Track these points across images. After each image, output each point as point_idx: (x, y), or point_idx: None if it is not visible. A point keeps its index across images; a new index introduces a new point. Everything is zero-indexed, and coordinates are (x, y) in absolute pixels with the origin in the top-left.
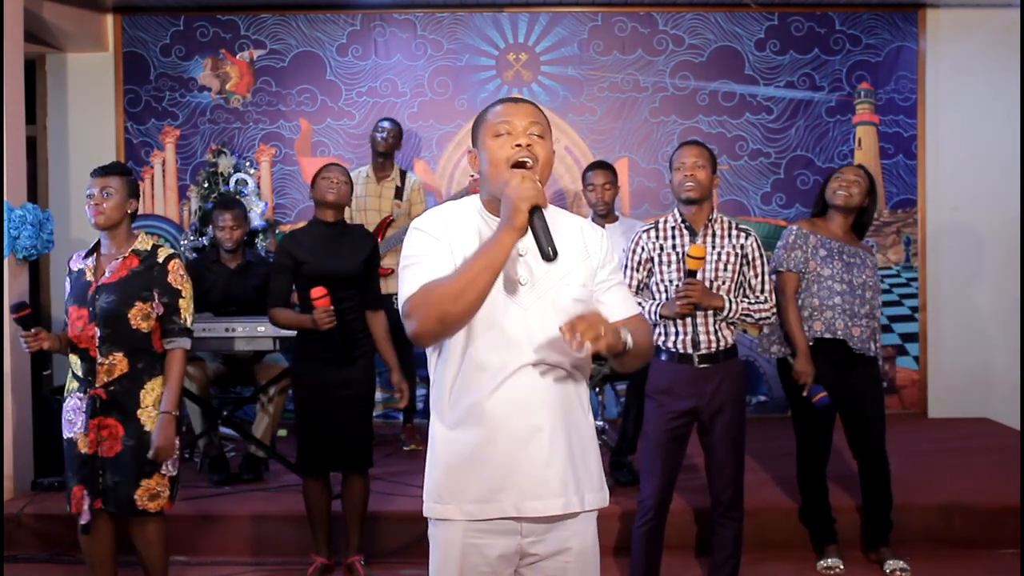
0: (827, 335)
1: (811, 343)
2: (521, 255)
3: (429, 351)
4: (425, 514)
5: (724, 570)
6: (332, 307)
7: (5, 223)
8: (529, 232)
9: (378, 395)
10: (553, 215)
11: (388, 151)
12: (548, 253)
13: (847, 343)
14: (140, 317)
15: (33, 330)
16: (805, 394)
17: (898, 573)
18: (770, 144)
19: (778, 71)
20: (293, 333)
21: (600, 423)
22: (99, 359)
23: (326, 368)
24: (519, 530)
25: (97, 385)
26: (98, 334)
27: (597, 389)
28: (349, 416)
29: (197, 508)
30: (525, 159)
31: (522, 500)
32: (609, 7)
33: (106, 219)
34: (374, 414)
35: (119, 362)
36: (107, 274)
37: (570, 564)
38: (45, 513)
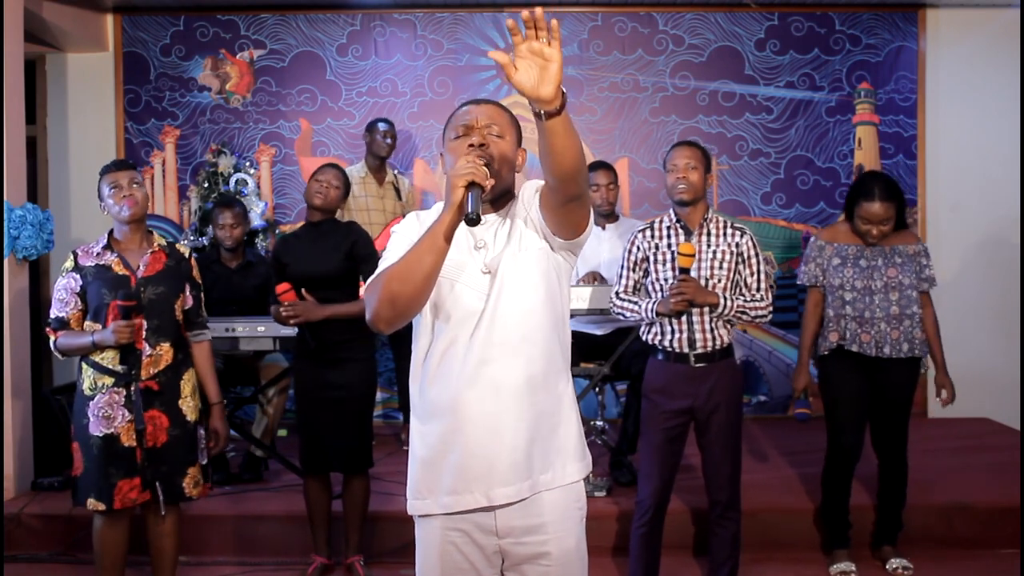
0: (838, 344)
1: (827, 352)
2: (479, 247)
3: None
4: (408, 512)
5: (723, 570)
6: (296, 302)
7: (5, 223)
8: (488, 222)
9: (378, 395)
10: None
11: (390, 154)
12: (470, 216)
13: (860, 351)
14: (180, 309)
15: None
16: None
17: (900, 571)
18: (770, 144)
19: (778, 71)
20: (293, 333)
21: (600, 423)
22: (147, 351)
23: (319, 368)
24: (495, 529)
25: (144, 377)
26: (146, 325)
27: (597, 389)
28: (345, 417)
29: (197, 508)
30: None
31: (491, 488)
32: (609, 7)
33: (140, 209)
34: (374, 414)
35: (165, 352)
36: (142, 268)
37: (551, 569)
38: (45, 513)
